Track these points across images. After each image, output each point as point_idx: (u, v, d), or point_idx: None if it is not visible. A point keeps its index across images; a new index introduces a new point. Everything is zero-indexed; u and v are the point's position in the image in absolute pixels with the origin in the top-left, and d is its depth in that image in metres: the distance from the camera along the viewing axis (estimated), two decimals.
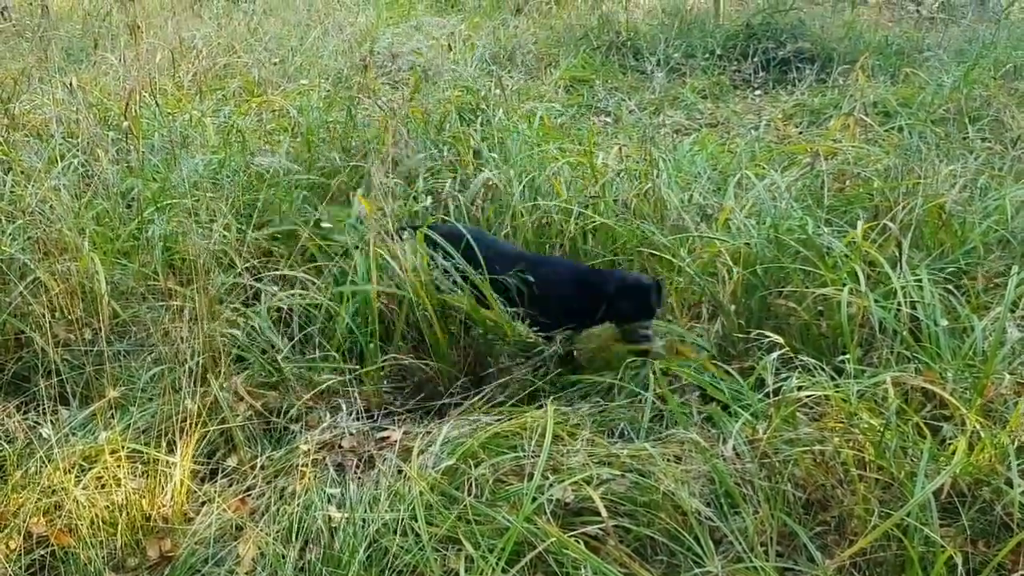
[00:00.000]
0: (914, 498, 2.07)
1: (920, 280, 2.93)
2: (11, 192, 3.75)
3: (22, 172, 3.97)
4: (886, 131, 5.01)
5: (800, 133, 5.78)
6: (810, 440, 2.35)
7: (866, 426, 2.35)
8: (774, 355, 2.52)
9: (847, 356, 2.67)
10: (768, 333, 2.63)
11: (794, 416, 2.44)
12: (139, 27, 7.49)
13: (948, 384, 2.47)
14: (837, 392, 2.44)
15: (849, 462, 2.29)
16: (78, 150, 4.31)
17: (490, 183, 4.04)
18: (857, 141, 4.63)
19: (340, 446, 2.78)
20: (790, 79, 7.47)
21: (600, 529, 2.21)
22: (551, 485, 2.33)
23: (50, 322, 2.93)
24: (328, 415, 2.90)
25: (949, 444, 2.36)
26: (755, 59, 7.98)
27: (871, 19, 8.59)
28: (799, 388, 2.45)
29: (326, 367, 3.06)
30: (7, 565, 2.25)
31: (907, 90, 6.19)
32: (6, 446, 2.62)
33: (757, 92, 7.60)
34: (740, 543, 2.19)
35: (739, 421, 2.45)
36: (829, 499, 2.32)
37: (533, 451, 2.43)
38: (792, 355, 2.63)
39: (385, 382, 3.19)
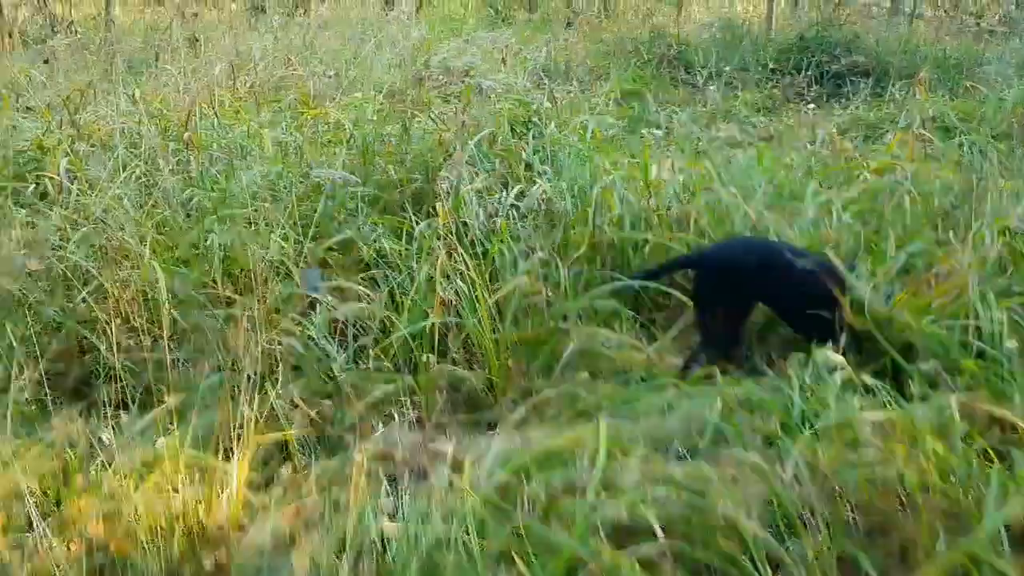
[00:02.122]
0: (983, 527, 2.02)
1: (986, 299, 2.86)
2: (76, 200, 3.83)
3: (87, 181, 4.06)
4: (946, 146, 4.92)
5: (856, 148, 5.70)
6: (872, 462, 2.30)
7: (931, 450, 2.30)
8: (837, 375, 2.47)
9: (912, 378, 2.61)
10: (830, 353, 2.59)
11: (856, 439, 2.39)
12: (198, 40, 7.65)
13: (1016, 408, 2.41)
14: (903, 414, 2.39)
15: (914, 488, 2.24)
16: (140, 160, 4.40)
17: (544, 195, 4.04)
18: (917, 157, 4.55)
19: (392, 457, 2.78)
20: (844, 93, 7.39)
21: (656, 550, 2.18)
22: (605, 504, 2.31)
23: (112, 328, 2.98)
24: (381, 426, 2.91)
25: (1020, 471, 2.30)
26: (808, 72, 7.91)
27: (929, 32, 8.45)
28: (861, 409, 2.40)
29: (381, 378, 3.07)
30: (68, 569, 2.28)
31: (967, 104, 6.09)
32: (69, 451, 2.67)
33: (811, 106, 7.53)
34: (799, 568, 2.15)
35: (800, 442, 2.41)
36: (891, 525, 2.27)
37: (587, 469, 2.41)
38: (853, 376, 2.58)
39: (438, 394, 3.20)
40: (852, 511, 2.27)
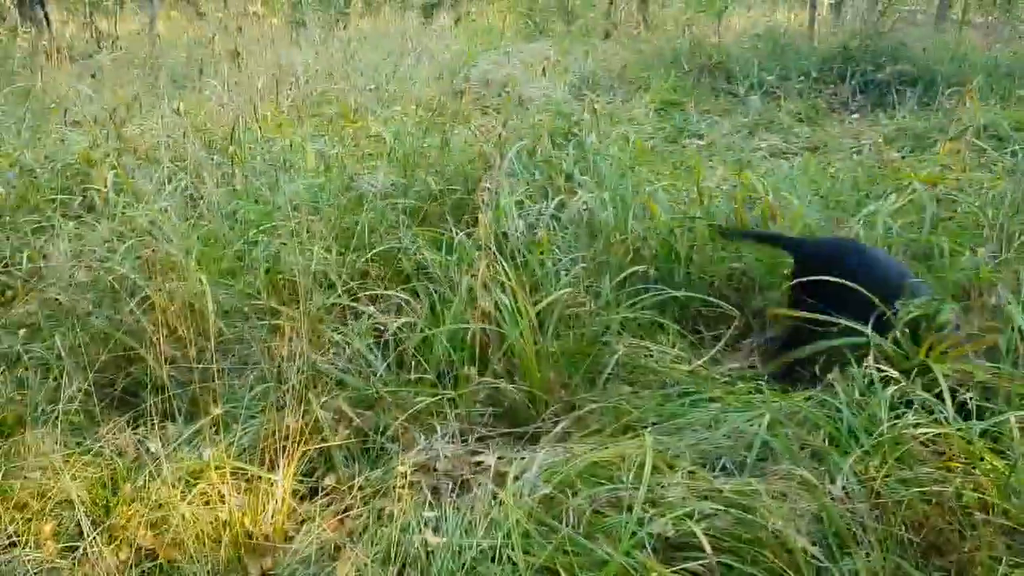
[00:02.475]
0: None
1: None
2: (122, 212, 3.89)
3: (133, 193, 4.12)
4: (999, 156, 4.83)
5: (903, 158, 5.61)
6: (928, 480, 2.24)
7: (988, 467, 2.24)
8: (890, 390, 2.42)
9: (969, 395, 2.54)
10: (884, 368, 2.53)
11: (909, 454, 2.34)
12: (240, 55, 7.75)
13: None
14: (959, 432, 2.33)
15: (972, 505, 2.18)
16: (185, 172, 4.45)
17: (585, 207, 4.02)
18: (967, 167, 4.47)
19: (435, 469, 2.78)
20: (889, 102, 7.28)
21: (702, 566, 2.15)
22: (651, 518, 2.28)
23: (159, 339, 3.01)
24: (423, 437, 2.91)
25: None
26: (853, 82, 7.81)
27: (978, 39, 8.31)
28: (915, 426, 2.35)
29: (422, 391, 3.06)
30: None
31: (1020, 113, 5.96)
32: (117, 460, 2.70)
33: (855, 115, 7.43)
34: None
35: (850, 458, 2.36)
36: (947, 544, 2.22)
37: (632, 483, 2.39)
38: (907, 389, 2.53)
39: (479, 405, 3.18)
40: (906, 529, 2.21)
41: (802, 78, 7.97)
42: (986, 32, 8.60)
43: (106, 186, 4.26)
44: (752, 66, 8.14)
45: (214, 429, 2.78)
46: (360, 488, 2.66)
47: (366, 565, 2.31)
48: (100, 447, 2.75)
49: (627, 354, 3.23)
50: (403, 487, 2.56)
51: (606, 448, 2.62)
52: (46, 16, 11.35)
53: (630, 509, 2.24)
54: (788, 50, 8.69)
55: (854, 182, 4.65)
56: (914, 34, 8.44)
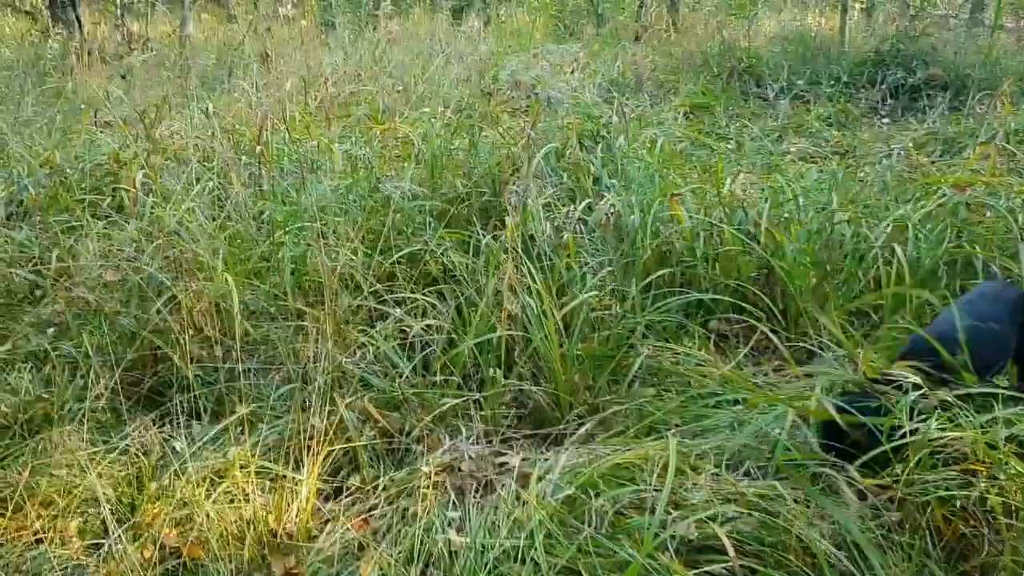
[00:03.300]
0: None
1: None
2: (151, 213, 3.92)
3: (161, 194, 4.16)
4: None
5: (933, 163, 5.55)
6: (951, 485, 2.22)
7: (1014, 471, 2.20)
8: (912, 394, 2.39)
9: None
10: (908, 374, 2.50)
11: (930, 459, 2.31)
12: (270, 56, 7.81)
13: None
14: (984, 435, 2.30)
15: (996, 509, 2.15)
16: (213, 174, 4.49)
17: (613, 210, 4.01)
18: (998, 172, 4.41)
19: (459, 469, 2.78)
20: (920, 107, 7.21)
21: (726, 569, 2.13)
22: (674, 520, 2.27)
23: (185, 339, 3.04)
24: (448, 438, 2.91)
25: None
26: (883, 86, 7.73)
27: (1010, 43, 8.20)
28: (941, 431, 2.31)
29: (448, 393, 3.06)
30: (142, 573, 2.32)
31: None
32: (143, 458, 2.72)
33: (885, 120, 7.36)
34: None
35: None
36: (970, 547, 2.19)
37: (655, 485, 2.38)
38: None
39: (504, 407, 3.18)
40: (929, 533, 2.18)
41: (833, 82, 7.91)
42: (1018, 36, 8.47)
43: (135, 186, 4.30)
44: (782, 70, 8.09)
45: (239, 428, 2.80)
46: (384, 488, 2.67)
47: (389, 565, 2.32)
48: (126, 445, 2.78)
49: (652, 356, 3.21)
50: (427, 487, 2.56)
51: (629, 450, 2.60)
52: (77, 18, 11.50)
53: (653, 511, 2.23)
54: (819, 54, 8.63)
55: (883, 186, 4.60)
56: (946, 38, 8.34)
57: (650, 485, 2.39)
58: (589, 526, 2.32)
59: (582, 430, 2.89)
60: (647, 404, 3.02)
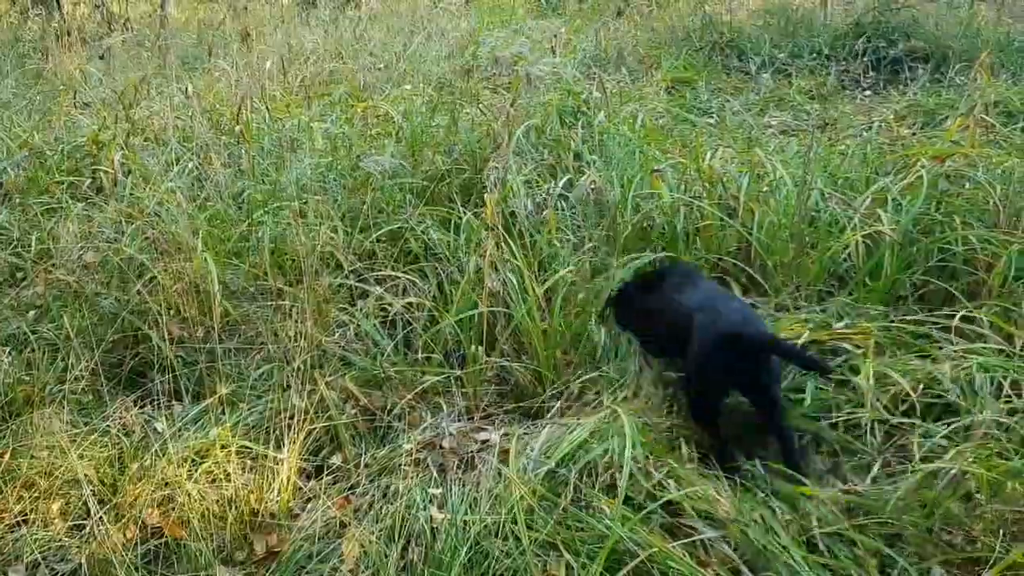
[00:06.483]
0: None
1: None
2: (131, 194, 3.90)
3: (141, 175, 4.13)
4: (1009, 132, 4.77)
5: (914, 135, 5.55)
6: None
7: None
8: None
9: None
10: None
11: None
12: (250, 35, 7.74)
13: None
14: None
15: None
16: (192, 154, 4.46)
17: (594, 185, 4.00)
18: (978, 143, 4.41)
19: (441, 446, 2.79)
20: (902, 79, 7.20)
21: (706, 540, 2.16)
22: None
23: (165, 320, 3.03)
24: (429, 415, 2.92)
25: None
26: (865, 59, 7.71)
27: (990, 16, 8.19)
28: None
29: (429, 370, 3.07)
30: (124, 554, 2.33)
31: None
32: (124, 439, 2.72)
33: (867, 92, 7.35)
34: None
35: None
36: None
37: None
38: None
39: (485, 384, 3.19)
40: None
41: (814, 55, 7.89)
42: (999, 8, 8.44)
43: (114, 168, 4.28)
44: (764, 44, 8.06)
45: (220, 409, 2.80)
46: (366, 466, 2.68)
47: (371, 542, 2.33)
48: (107, 426, 2.78)
49: None
50: (409, 465, 2.57)
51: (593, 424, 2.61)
52: None
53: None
54: (800, 27, 8.59)
55: (864, 159, 4.60)
56: (927, 10, 8.32)
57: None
58: (566, 499, 2.34)
59: (558, 404, 2.91)
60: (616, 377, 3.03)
